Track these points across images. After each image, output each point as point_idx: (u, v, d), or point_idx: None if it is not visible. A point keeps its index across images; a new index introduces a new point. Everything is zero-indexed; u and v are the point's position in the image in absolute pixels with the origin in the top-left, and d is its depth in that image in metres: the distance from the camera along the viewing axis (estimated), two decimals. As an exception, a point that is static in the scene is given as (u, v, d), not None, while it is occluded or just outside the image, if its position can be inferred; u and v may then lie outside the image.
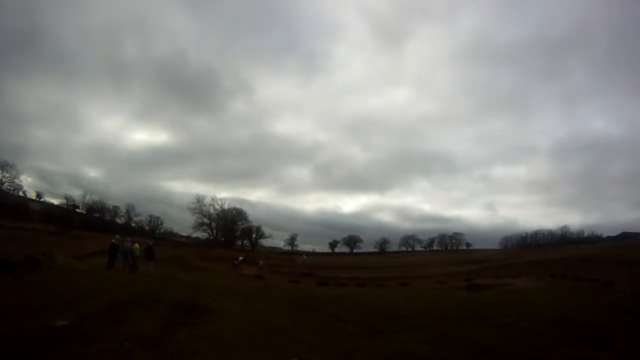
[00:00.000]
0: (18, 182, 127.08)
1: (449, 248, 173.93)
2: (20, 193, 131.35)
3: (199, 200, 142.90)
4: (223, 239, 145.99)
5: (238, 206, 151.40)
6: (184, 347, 11.12)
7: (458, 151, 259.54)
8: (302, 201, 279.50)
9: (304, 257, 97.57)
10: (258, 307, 21.18)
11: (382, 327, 17.13)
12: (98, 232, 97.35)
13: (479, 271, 59.75)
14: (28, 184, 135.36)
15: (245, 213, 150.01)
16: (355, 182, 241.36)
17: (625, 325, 15.89)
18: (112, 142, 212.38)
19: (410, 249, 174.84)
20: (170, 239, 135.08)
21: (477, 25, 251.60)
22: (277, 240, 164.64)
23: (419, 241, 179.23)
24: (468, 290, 33.05)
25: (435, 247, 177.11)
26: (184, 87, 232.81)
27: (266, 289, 31.92)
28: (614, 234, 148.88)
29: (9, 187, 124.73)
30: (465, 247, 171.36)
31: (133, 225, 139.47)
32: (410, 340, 14.36)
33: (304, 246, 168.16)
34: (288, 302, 23.93)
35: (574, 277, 38.27)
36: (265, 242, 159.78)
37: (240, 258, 74.55)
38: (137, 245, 38.08)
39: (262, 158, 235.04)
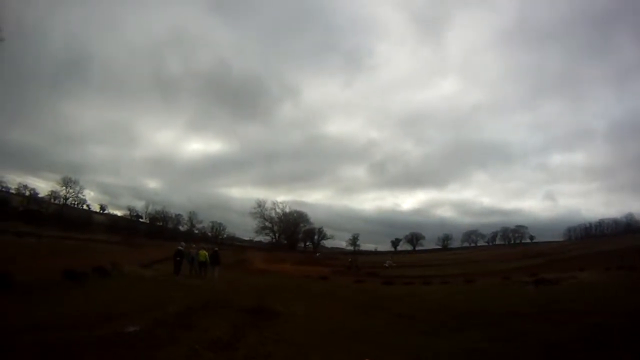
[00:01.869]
0: (82, 197, 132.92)
1: (512, 242, 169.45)
2: (85, 207, 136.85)
3: (260, 205, 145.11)
4: (285, 242, 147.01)
5: (297, 208, 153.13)
6: (254, 350, 11.19)
7: (512, 140, 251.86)
8: (360, 200, 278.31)
9: (390, 260, 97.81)
10: (326, 308, 21.24)
11: (451, 324, 16.90)
12: (162, 241, 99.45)
13: (544, 265, 58.79)
14: (91, 198, 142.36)
15: (306, 215, 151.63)
16: (411, 179, 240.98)
17: None
18: (169, 154, 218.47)
19: (473, 244, 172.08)
20: (233, 244, 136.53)
21: (516, 6, 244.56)
22: (338, 241, 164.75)
23: (482, 236, 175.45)
24: (534, 285, 32.39)
25: (498, 241, 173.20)
26: (232, 96, 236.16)
27: (333, 289, 31.85)
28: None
29: (73, 202, 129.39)
30: (528, 240, 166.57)
31: (196, 232, 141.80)
32: (479, 337, 14.09)
33: (366, 245, 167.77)
34: (355, 302, 23.89)
35: (642, 268, 37.32)
36: (327, 243, 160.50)
37: (349, 259, 76.13)
38: (204, 251, 38.08)
39: (316, 160, 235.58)
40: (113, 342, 10.79)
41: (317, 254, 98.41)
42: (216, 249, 42.31)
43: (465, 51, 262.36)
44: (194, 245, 43.19)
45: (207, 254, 37.55)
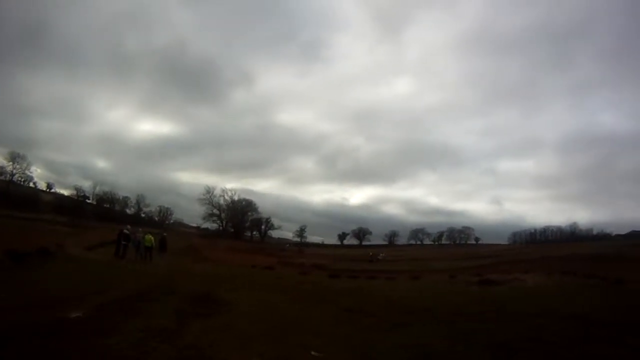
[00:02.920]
0: (29, 174, 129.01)
1: (457, 242, 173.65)
2: (31, 184, 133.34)
3: (209, 191, 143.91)
4: (232, 230, 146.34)
5: (245, 197, 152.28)
6: (199, 339, 11.01)
7: (464, 143, 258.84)
8: (309, 192, 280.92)
9: (371, 253, 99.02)
10: (272, 298, 20.91)
11: (399, 320, 16.89)
12: (109, 223, 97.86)
13: (489, 266, 59.62)
14: (38, 175, 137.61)
15: (254, 204, 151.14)
16: (361, 174, 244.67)
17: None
18: (119, 133, 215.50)
19: (419, 242, 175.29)
20: (180, 230, 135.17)
21: (480, 12, 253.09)
22: (285, 232, 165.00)
23: (428, 234, 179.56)
24: (480, 285, 32.87)
25: (444, 241, 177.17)
26: (186, 78, 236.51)
27: (279, 280, 31.78)
28: (623, 232, 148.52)
29: (19, 179, 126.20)
30: (474, 242, 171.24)
31: (143, 215, 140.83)
32: (428, 334, 14.26)
33: (312, 238, 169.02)
34: (302, 294, 23.72)
35: (584, 275, 38.17)
36: (274, 234, 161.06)
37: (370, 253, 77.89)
38: (150, 236, 37.67)
39: (267, 148, 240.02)
40: (55, 329, 10.46)
41: (287, 245, 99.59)
42: (164, 234, 41.98)
43: (424, 52, 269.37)
44: (140, 229, 42.56)
45: (153, 238, 37.34)
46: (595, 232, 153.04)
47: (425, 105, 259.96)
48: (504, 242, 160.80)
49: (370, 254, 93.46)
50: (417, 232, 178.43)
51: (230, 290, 21.06)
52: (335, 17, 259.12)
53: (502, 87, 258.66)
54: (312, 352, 10.95)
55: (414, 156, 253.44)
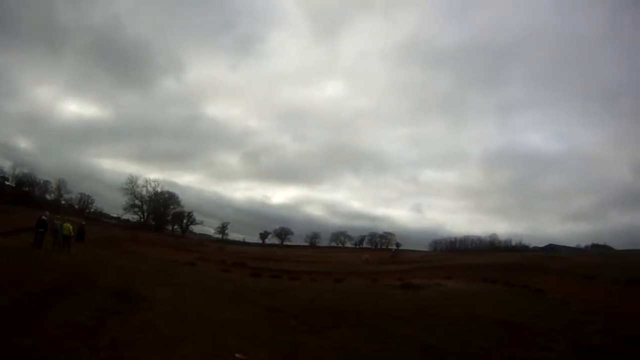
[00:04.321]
0: None
1: (379, 247, 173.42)
2: None
3: (132, 181, 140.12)
4: (154, 223, 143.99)
5: (168, 189, 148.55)
6: (118, 339, 10.40)
7: (390, 151, 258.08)
8: (231, 189, 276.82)
9: (367, 255, 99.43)
10: (193, 296, 20.54)
11: (323, 322, 16.81)
12: (27, 207, 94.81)
13: (411, 271, 59.99)
14: None
15: (177, 197, 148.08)
16: (284, 173, 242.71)
17: (562, 329, 17.27)
18: (44, 112, 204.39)
19: (340, 245, 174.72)
20: (100, 220, 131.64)
21: (418, 24, 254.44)
22: (207, 227, 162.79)
23: (350, 238, 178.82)
24: (402, 289, 33.18)
25: (365, 245, 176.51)
26: (117, 60, 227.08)
27: (200, 277, 31.21)
28: (541, 245, 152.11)
29: None
30: (395, 247, 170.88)
31: (63, 202, 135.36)
32: (353, 337, 14.30)
33: (234, 235, 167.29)
34: (224, 292, 23.34)
35: (505, 283, 39.02)
36: (196, 229, 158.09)
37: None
38: (69, 224, 36.15)
39: (192, 141, 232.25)
40: None
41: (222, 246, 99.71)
42: (83, 223, 40.71)
43: (358, 57, 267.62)
44: (59, 217, 40.61)
45: (71, 227, 35.88)
46: (513, 243, 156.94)
47: (354, 109, 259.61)
48: (425, 249, 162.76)
49: (393, 250, 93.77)
50: (339, 235, 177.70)
51: (151, 286, 20.30)
52: (273, 13, 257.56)
53: (432, 99, 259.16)
54: (237, 355, 10.62)
55: (339, 159, 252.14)
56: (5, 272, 17.98)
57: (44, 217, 35.19)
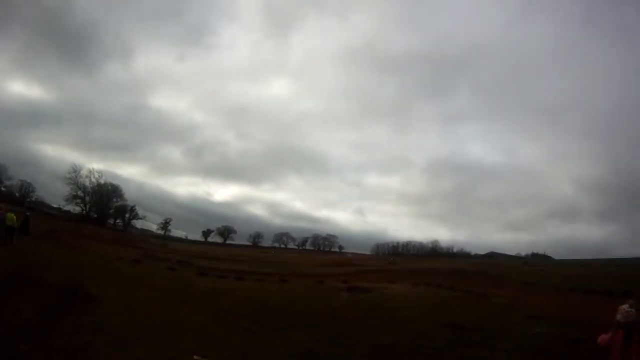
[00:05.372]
0: None
1: (321, 249, 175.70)
2: None
3: (75, 170, 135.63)
4: (95, 216, 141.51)
5: (110, 181, 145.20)
6: (72, 340, 10.06)
7: (334, 153, 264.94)
8: (174, 183, 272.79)
9: (392, 258, 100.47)
10: (143, 294, 20.07)
11: (274, 323, 17.03)
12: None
13: (354, 274, 60.26)
14: None
15: (121, 190, 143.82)
16: (228, 170, 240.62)
17: (509, 331, 17.94)
18: None
19: (283, 246, 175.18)
20: (41, 210, 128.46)
21: (370, 28, 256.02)
22: (149, 223, 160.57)
23: (293, 239, 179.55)
24: (349, 291, 33.39)
25: (308, 246, 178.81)
26: (65, 38, 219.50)
27: (148, 275, 30.72)
28: (482, 252, 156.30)
29: None
30: (337, 249, 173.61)
31: (3, 189, 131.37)
32: (306, 338, 14.41)
33: (176, 232, 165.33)
34: (174, 292, 23.13)
35: (448, 287, 39.40)
36: (138, 224, 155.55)
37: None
38: (12, 214, 33.41)
39: (136, 131, 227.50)
40: None
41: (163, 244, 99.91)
42: (28, 214, 39.54)
43: (307, 57, 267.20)
44: (3, 206, 37.23)
45: (14, 217, 33.32)
46: (455, 250, 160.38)
47: (300, 109, 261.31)
48: (367, 252, 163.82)
49: (391, 259, 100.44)
50: (282, 236, 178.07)
51: (100, 284, 19.79)
52: (227, 4, 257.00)
53: (378, 105, 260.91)
54: (195, 357, 10.46)
55: (283, 159, 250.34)
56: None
57: (-16, 207, 33.15)
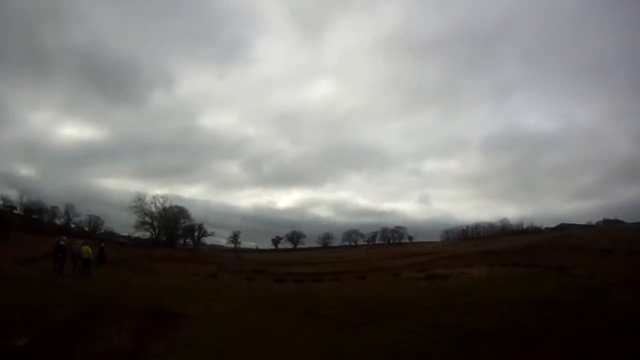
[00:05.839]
0: None
1: (391, 242, 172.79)
2: None
3: (140, 198, 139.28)
4: (165, 238, 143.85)
5: (175, 203, 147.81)
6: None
7: (388, 145, 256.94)
8: (236, 197, 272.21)
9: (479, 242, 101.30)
10: (226, 308, 20.18)
11: (360, 320, 16.62)
12: (38, 235, 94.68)
13: (429, 262, 59.70)
14: None
15: (187, 211, 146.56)
16: (287, 177, 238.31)
17: (593, 301, 17.96)
18: (41, 138, 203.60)
19: (353, 244, 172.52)
20: (111, 240, 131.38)
21: (399, 15, 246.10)
22: (218, 238, 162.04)
23: (362, 235, 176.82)
24: (427, 280, 32.93)
25: (377, 241, 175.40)
26: (105, 78, 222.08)
27: (226, 288, 30.94)
28: (552, 226, 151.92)
29: None
30: (407, 240, 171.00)
31: (73, 225, 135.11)
32: (394, 331, 14.13)
33: (246, 243, 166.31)
34: (253, 302, 22.98)
35: (525, 264, 38.74)
36: (207, 240, 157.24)
37: None
38: (87, 247, 34.88)
39: (190, 153, 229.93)
40: None
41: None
42: (102, 245, 40.59)
43: (344, 54, 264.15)
44: (80, 241, 39.23)
45: (90, 250, 34.78)
46: (525, 226, 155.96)
47: (347, 107, 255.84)
48: (437, 239, 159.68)
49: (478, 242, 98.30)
50: (351, 234, 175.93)
51: (182, 303, 20.07)
52: (254, 17, 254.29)
53: (423, 89, 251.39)
54: None
55: (339, 158, 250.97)
56: (30, 303, 17.69)
57: (61, 242, 34.18)
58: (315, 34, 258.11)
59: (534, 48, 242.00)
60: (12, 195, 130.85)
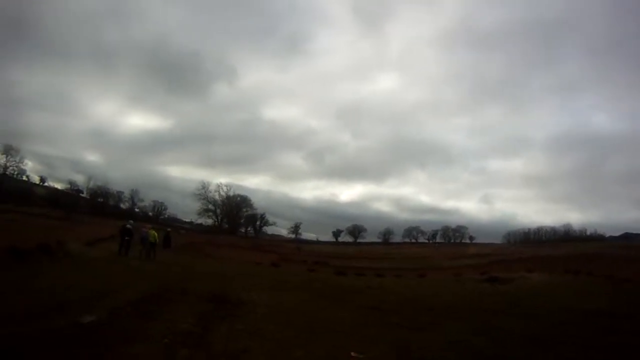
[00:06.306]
0: (22, 167, 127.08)
1: (452, 241, 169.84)
2: (24, 178, 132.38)
3: (204, 186, 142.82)
4: (227, 226, 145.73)
5: (238, 192, 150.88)
6: (230, 345, 10.15)
7: (452, 141, 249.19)
8: (299, 189, 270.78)
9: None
10: (288, 297, 20.31)
11: (423, 318, 16.37)
12: (103, 217, 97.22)
13: (490, 265, 59.39)
14: (30, 169, 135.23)
15: (249, 200, 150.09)
16: (349, 170, 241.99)
17: None
18: (108, 127, 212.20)
19: (413, 240, 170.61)
20: (174, 225, 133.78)
21: (462, 6, 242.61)
22: (278, 228, 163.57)
23: (422, 233, 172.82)
24: (489, 282, 32.69)
25: (438, 239, 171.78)
26: (170, 71, 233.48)
27: (289, 278, 31.14)
28: (615, 234, 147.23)
29: (13, 172, 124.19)
30: (468, 240, 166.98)
31: (137, 210, 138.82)
32: (458, 331, 13.90)
33: (307, 235, 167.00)
34: (315, 293, 23.05)
35: (587, 273, 38.16)
36: (269, 230, 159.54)
37: None
38: (154, 232, 36.62)
39: (254, 144, 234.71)
40: (71, 337, 9.49)
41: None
42: (168, 230, 41.66)
43: (406, 47, 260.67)
44: (148, 225, 41.62)
45: (156, 234, 36.28)
46: (588, 232, 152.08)
47: (410, 101, 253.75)
48: (498, 241, 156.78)
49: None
50: (412, 230, 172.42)
51: (246, 289, 20.40)
52: (316, 11, 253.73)
53: (487, 84, 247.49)
54: (352, 354, 10.24)
55: (403, 153, 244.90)
56: (98, 282, 18.09)
57: (129, 225, 35.61)
58: (377, 27, 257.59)
59: (602, 43, 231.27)
60: (79, 180, 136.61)
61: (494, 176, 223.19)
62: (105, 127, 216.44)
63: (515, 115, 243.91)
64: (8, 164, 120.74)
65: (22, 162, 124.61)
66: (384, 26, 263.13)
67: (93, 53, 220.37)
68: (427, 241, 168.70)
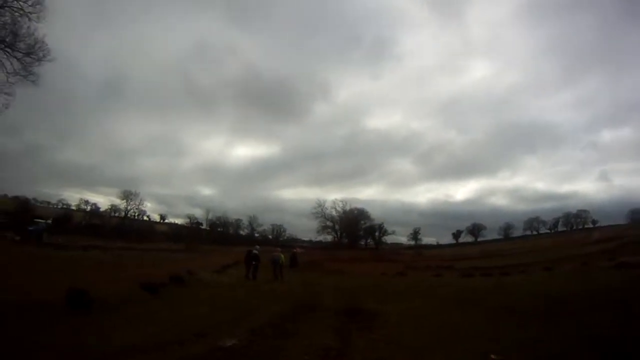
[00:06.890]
0: (142, 208, 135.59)
1: (574, 227, 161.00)
2: (145, 218, 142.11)
3: (320, 204, 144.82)
4: (347, 240, 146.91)
5: (354, 206, 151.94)
6: (370, 356, 10.46)
7: (556, 119, 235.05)
8: (412, 194, 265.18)
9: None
10: (417, 304, 20.27)
11: (555, 312, 16.03)
12: (225, 246, 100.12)
13: (617, 249, 56.98)
14: (150, 209, 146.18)
15: (366, 212, 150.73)
16: (459, 168, 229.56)
17: None
18: (218, 161, 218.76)
19: (535, 232, 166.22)
20: (294, 245, 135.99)
21: None
22: (397, 236, 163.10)
23: (543, 222, 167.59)
24: (617, 269, 31.25)
25: (560, 228, 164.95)
26: (267, 100, 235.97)
27: (416, 285, 31.07)
28: None
29: (134, 214, 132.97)
30: (591, 225, 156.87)
31: (257, 235, 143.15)
32: (593, 324, 13.15)
33: (426, 239, 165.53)
34: (444, 298, 22.80)
35: None
36: (388, 239, 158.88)
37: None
38: (282, 254, 38.53)
39: (361, 155, 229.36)
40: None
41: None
42: (294, 250, 42.92)
43: (490, 31, 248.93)
44: (278, 249, 43.94)
45: (283, 256, 38.25)
46: None
47: (506, 85, 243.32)
48: (621, 221, 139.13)
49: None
50: (532, 222, 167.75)
51: (376, 300, 20.60)
52: (391, 14, 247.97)
53: (581, 51, 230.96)
54: (492, 356, 10.26)
55: (509, 141, 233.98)
56: (233, 306, 18.90)
57: (255, 250, 36.85)
58: (456, 17, 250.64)
59: None
60: (198, 213, 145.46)
61: (606, 149, 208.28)
62: (215, 162, 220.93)
63: (617, 78, 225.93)
64: (129, 207, 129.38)
65: (141, 204, 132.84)
66: (462, 14, 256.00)
67: (190, 97, 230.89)
68: (549, 231, 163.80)
